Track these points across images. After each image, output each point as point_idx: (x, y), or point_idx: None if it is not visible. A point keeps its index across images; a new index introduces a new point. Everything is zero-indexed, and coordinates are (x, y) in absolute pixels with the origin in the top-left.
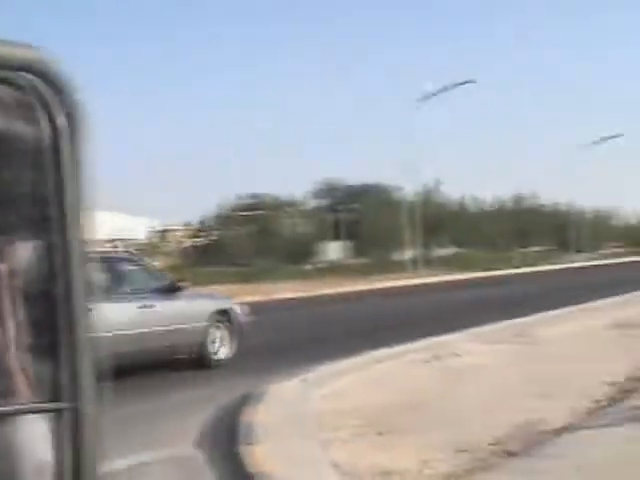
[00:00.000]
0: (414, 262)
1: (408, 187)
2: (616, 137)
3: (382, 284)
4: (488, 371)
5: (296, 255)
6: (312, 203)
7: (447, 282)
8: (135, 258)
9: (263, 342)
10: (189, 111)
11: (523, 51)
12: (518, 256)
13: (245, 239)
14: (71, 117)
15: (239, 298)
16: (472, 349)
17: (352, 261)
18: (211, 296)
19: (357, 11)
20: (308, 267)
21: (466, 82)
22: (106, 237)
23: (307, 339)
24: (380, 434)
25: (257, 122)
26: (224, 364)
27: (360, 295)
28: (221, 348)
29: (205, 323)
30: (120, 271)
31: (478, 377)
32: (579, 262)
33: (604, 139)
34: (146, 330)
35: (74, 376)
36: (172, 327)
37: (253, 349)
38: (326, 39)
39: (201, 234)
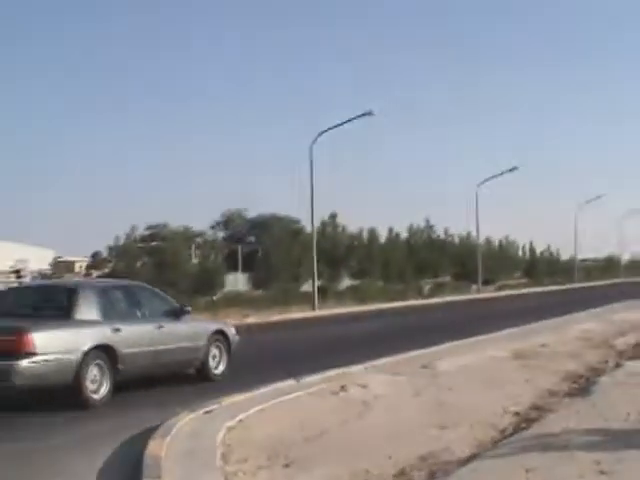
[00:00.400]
0: (316, 293)
1: (308, 219)
2: (512, 170)
3: (284, 316)
4: (393, 402)
5: (197, 286)
6: (213, 234)
7: (349, 314)
8: (148, 286)
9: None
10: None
11: (419, 89)
12: (423, 287)
13: (144, 270)
14: None
15: None
16: (377, 380)
17: (254, 293)
18: (209, 319)
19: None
20: (208, 299)
21: (366, 114)
22: (10, 267)
23: None
24: (286, 466)
25: (160, 151)
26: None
27: (262, 327)
28: (219, 364)
29: (206, 342)
30: (137, 297)
31: (383, 408)
32: (483, 293)
33: (502, 173)
34: (161, 347)
35: None
36: (180, 345)
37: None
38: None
39: (102, 265)
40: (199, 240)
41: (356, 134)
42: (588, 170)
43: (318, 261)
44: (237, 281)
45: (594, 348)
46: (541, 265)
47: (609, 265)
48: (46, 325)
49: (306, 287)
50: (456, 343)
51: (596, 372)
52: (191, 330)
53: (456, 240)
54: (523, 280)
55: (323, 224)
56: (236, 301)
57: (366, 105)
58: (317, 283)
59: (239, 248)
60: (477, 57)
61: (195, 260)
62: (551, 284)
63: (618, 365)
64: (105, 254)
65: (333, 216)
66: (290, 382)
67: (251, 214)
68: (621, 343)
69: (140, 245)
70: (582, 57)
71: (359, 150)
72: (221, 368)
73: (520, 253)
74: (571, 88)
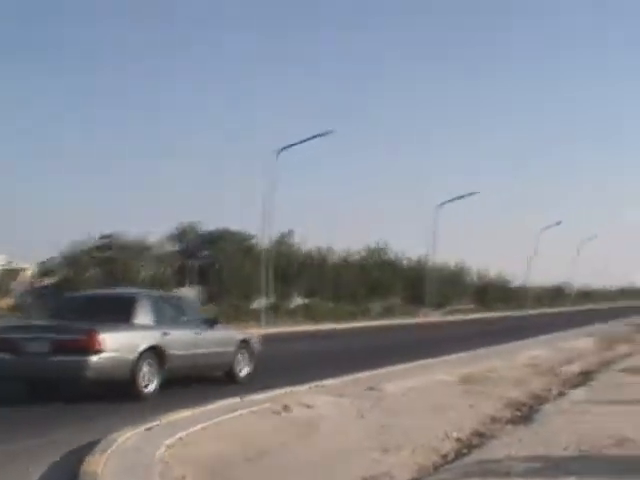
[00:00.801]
0: (267, 311)
1: (263, 235)
2: (472, 195)
3: None
4: (336, 424)
5: None
6: (167, 246)
7: (298, 332)
8: (188, 298)
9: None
10: None
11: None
12: (372, 309)
13: (95, 280)
14: None
15: None
16: (322, 401)
17: (204, 308)
18: (235, 330)
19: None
20: None
21: (325, 133)
22: None
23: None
24: None
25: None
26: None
27: None
28: (244, 368)
29: (234, 349)
30: (178, 306)
31: (326, 430)
32: (432, 317)
33: (459, 197)
34: (199, 351)
35: None
36: (214, 350)
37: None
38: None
39: (51, 273)
40: (152, 252)
41: (316, 152)
42: (545, 199)
43: (271, 278)
44: (189, 294)
45: (540, 375)
46: (492, 291)
47: (559, 292)
48: (112, 327)
49: (257, 304)
50: (403, 366)
51: (540, 400)
52: (222, 338)
53: (409, 262)
54: (474, 305)
55: (278, 241)
56: None
57: (328, 122)
58: (268, 300)
59: (190, 262)
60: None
61: (146, 272)
62: (502, 310)
63: (562, 393)
64: (58, 261)
65: (288, 233)
66: (234, 400)
67: (206, 228)
68: (566, 371)
69: (94, 255)
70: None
71: (319, 168)
72: (245, 372)
73: (471, 278)
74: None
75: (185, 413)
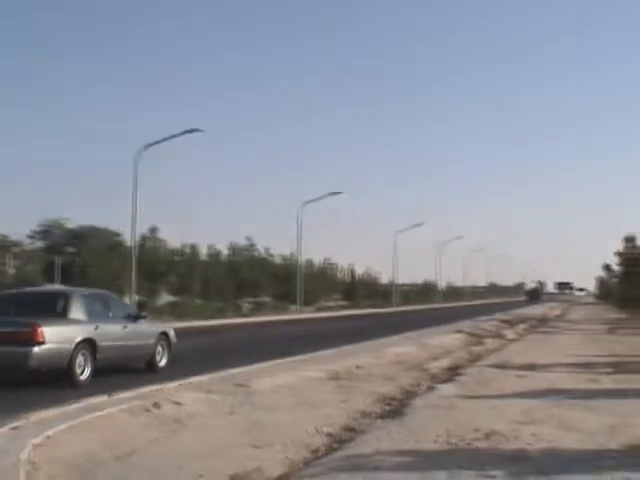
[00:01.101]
0: None
1: (129, 233)
2: (338, 194)
3: None
4: (206, 420)
5: None
6: (30, 244)
7: None
8: (114, 295)
9: None
10: None
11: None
12: (242, 305)
13: None
14: None
15: None
16: (191, 398)
17: None
18: (156, 323)
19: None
20: None
21: (193, 130)
22: None
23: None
24: None
25: None
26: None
27: None
28: (163, 358)
29: (155, 340)
30: (106, 303)
31: (196, 426)
32: (302, 314)
33: (322, 197)
34: (125, 343)
35: None
36: (138, 342)
37: None
38: None
39: None
40: (16, 249)
41: (181, 148)
42: (408, 200)
43: (137, 275)
44: None
45: (408, 371)
46: (360, 288)
47: (426, 290)
48: (51, 321)
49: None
50: (272, 362)
51: (409, 395)
52: (145, 330)
53: (278, 260)
54: (342, 302)
55: (143, 238)
56: None
57: (192, 117)
58: (135, 298)
59: (56, 259)
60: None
61: (11, 270)
62: (370, 307)
63: (431, 388)
64: None
65: (153, 230)
66: (102, 398)
67: (71, 225)
68: (435, 367)
69: None
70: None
71: (184, 164)
72: (164, 362)
73: (340, 275)
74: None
75: (52, 412)
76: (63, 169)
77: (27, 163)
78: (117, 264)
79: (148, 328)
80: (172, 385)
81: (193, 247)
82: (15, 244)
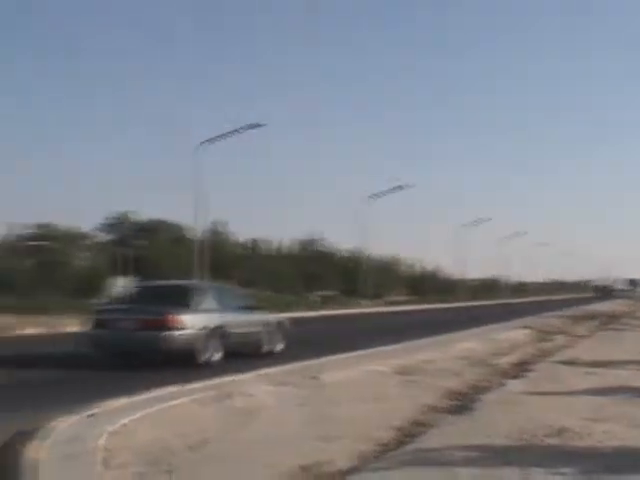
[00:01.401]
0: None
1: (197, 226)
2: (401, 188)
3: None
4: (278, 412)
5: (82, 289)
6: (101, 236)
7: None
8: (237, 288)
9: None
10: None
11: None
12: (312, 299)
13: (27, 270)
14: None
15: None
16: (263, 390)
17: None
18: (270, 313)
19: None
20: (95, 302)
21: (255, 126)
22: None
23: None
24: (168, 472)
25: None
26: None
27: None
28: (279, 344)
29: (273, 328)
30: (230, 294)
31: (268, 418)
32: (371, 308)
33: (390, 191)
34: (246, 330)
35: None
36: (258, 329)
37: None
38: None
39: None
40: (86, 242)
41: (250, 142)
42: (476, 194)
43: (206, 268)
44: (124, 285)
45: (476, 366)
46: (428, 283)
47: (492, 285)
48: (185, 310)
49: None
50: (344, 356)
51: (478, 390)
52: (264, 320)
53: (344, 254)
54: (410, 297)
55: (212, 232)
56: None
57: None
58: None
59: (123, 252)
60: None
61: (81, 262)
62: (437, 302)
63: (499, 384)
64: None
65: (222, 224)
66: (177, 388)
67: (138, 218)
68: (503, 362)
69: (28, 243)
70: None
71: (253, 159)
72: (279, 348)
73: (408, 270)
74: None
75: (126, 400)
76: (130, 162)
77: (97, 154)
78: (186, 257)
79: (266, 317)
80: (245, 377)
81: (261, 241)
82: (85, 237)
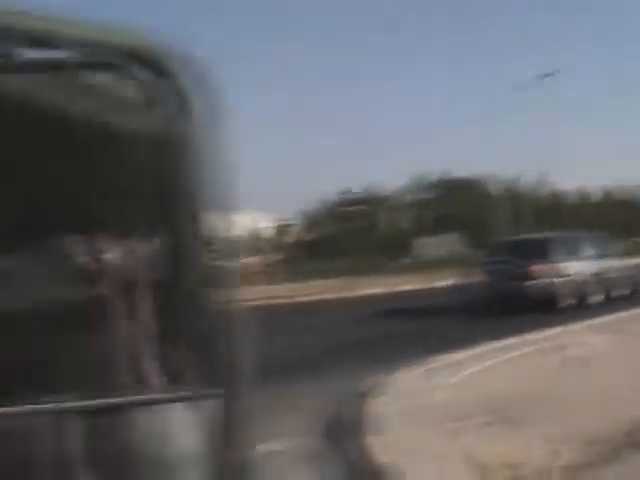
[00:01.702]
0: None
1: (507, 179)
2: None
3: None
4: (613, 363)
5: (393, 250)
6: (407, 197)
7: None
8: (605, 237)
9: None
10: None
11: None
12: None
13: (348, 235)
14: (185, 108)
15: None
16: (597, 339)
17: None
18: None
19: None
20: (407, 262)
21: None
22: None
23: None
24: (511, 421)
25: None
26: None
27: None
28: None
29: (638, 272)
30: (599, 243)
31: (603, 369)
32: None
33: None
34: (618, 274)
35: (221, 363)
36: (626, 273)
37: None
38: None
39: (307, 230)
40: (397, 204)
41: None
42: None
43: (537, 222)
44: (427, 245)
45: None
46: None
47: None
48: (547, 260)
49: None
50: None
51: None
52: (630, 265)
53: None
54: None
55: (534, 183)
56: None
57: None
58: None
59: (438, 211)
60: None
61: (394, 224)
62: None
63: None
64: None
65: (544, 175)
66: (511, 340)
67: (443, 176)
68: None
69: (347, 209)
70: None
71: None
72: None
73: None
74: None
75: (464, 353)
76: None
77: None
78: (500, 213)
79: (631, 263)
80: (575, 327)
81: (581, 191)
82: (387, 199)
